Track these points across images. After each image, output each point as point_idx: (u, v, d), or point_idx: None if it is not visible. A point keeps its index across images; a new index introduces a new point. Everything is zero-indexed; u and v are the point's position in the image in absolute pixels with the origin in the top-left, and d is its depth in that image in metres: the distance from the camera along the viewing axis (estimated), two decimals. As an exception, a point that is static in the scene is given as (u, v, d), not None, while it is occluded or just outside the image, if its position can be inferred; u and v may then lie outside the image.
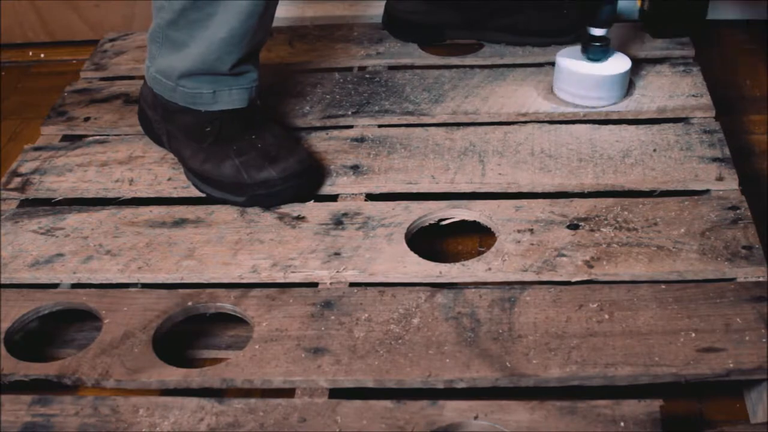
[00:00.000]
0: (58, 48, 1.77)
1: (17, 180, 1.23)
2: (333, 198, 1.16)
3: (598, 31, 1.27)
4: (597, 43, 1.27)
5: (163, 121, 1.19)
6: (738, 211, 1.07)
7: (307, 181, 1.16)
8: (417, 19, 1.48)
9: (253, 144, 1.15)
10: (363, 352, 0.93)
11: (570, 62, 1.29)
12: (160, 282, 1.05)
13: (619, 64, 1.28)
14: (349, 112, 1.31)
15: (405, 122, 1.29)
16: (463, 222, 1.13)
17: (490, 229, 1.11)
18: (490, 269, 1.02)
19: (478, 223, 1.12)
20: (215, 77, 1.14)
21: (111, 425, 0.87)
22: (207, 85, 1.14)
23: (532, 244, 1.05)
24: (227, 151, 1.15)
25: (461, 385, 0.90)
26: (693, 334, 0.92)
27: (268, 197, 1.14)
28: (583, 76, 1.27)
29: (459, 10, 1.46)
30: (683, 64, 1.37)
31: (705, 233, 1.04)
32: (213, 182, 1.16)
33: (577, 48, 1.31)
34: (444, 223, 1.12)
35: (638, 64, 1.37)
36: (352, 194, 1.16)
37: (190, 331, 1.05)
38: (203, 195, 1.18)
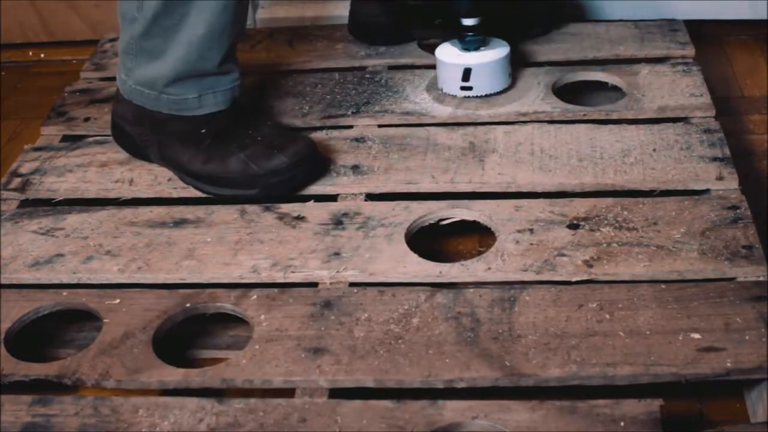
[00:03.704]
0: (58, 48, 1.76)
1: (17, 180, 1.23)
2: (333, 198, 1.16)
3: (468, 21, 1.29)
4: (470, 33, 1.30)
5: (151, 132, 1.18)
6: (738, 211, 1.07)
7: (316, 163, 1.17)
8: (382, 22, 1.47)
9: (253, 138, 1.16)
10: (363, 352, 0.93)
11: (445, 53, 1.32)
12: (160, 282, 1.05)
13: (494, 52, 1.31)
14: (349, 112, 1.31)
15: (405, 122, 1.29)
16: (463, 222, 1.13)
17: (490, 229, 1.11)
18: (490, 269, 1.02)
19: (478, 223, 1.12)
20: (200, 81, 1.14)
21: (111, 425, 0.87)
22: (192, 89, 1.14)
23: (532, 244, 1.05)
24: (229, 148, 1.15)
25: (461, 384, 0.90)
26: (693, 334, 0.92)
27: (281, 184, 1.15)
28: (456, 67, 1.30)
29: (424, 10, 1.45)
30: (683, 64, 1.37)
31: (705, 233, 1.04)
32: (220, 181, 1.16)
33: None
34: (444, 223, 1.12)
35: (638, 64, 1.37)
36: (352, 194, 1.16)
37: (190, 331, 1.05)
38: (204, 195, 1.18)
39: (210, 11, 1.09)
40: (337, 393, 0.90)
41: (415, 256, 1.05)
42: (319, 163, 1.19)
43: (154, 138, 1.19)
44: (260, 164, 1.14)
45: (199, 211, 1.15)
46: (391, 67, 1.43)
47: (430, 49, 1.47)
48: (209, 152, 1.16)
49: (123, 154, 1.26)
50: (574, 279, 1.00)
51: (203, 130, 1.15)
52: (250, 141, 1.16)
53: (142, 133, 1.19)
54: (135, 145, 1.23)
